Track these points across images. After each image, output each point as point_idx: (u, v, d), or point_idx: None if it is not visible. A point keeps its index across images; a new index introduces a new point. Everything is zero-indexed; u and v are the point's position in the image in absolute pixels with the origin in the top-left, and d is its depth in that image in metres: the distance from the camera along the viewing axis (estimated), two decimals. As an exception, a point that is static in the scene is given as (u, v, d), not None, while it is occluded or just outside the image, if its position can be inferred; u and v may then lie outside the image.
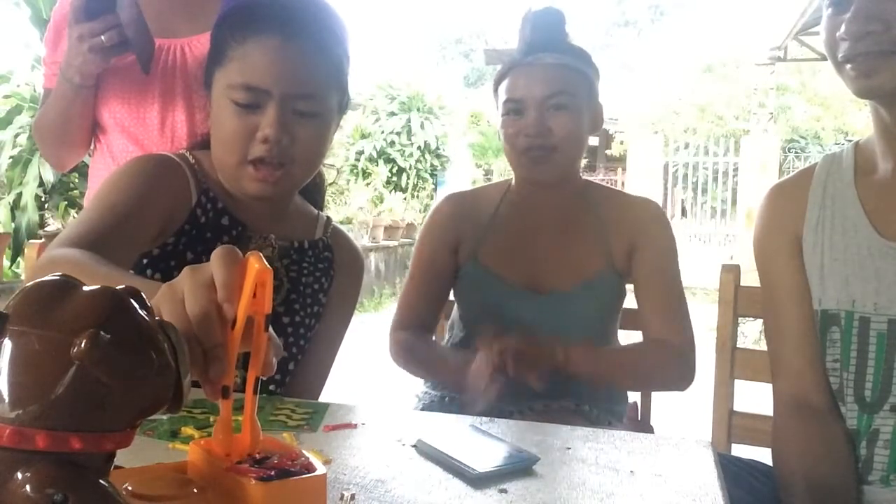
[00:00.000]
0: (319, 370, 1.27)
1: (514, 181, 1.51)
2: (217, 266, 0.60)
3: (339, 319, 1.29)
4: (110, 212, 1.04)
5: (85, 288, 0.49)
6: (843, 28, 0.96)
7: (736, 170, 11.33)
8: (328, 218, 1.31)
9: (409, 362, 1.43)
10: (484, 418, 0.99)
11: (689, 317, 1.41)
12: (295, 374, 1.22)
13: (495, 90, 1.46)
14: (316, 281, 1.23)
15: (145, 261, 1.11)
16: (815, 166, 1.15)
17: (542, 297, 1.41)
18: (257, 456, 0.67)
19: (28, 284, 0.49)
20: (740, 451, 1.31)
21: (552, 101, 1.37)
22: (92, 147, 1.65)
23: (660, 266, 1.42)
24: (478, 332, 1.41)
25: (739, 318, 1.38)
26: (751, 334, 5.70)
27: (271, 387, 1.18)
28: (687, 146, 12.22)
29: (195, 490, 0.61)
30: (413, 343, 1.44)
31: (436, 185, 11.39)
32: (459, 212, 1.51)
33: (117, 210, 1.04)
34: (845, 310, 1.05)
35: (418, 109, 11.56)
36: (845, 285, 1.06)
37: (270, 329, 0.62)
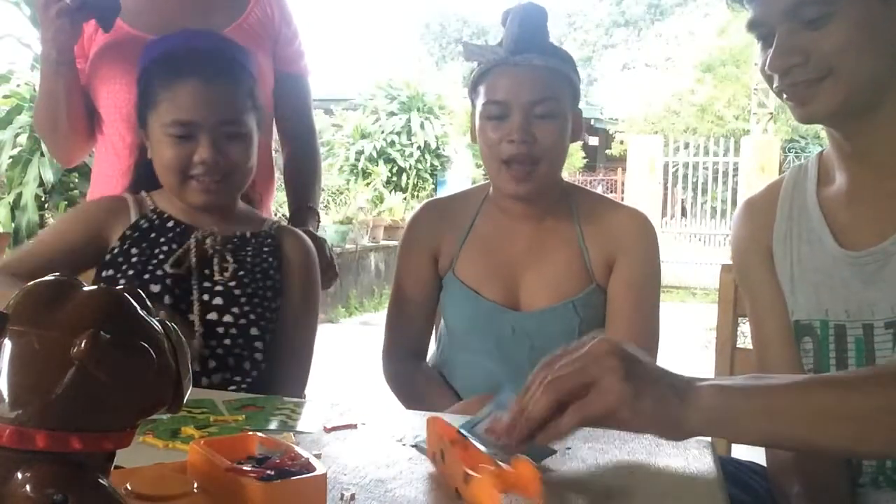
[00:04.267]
0: (300, 356, 1.39)
1: (492, 189, 1.42)
2: None
3: (304, 304, 1.40)
4: (40, 245, 1.39)
5: (85, 288, 0.49)
6: (767, 63, 0.97)
7: (736, 170, 11.33)
8: (278, 221, 1.47)
9: (402, 399, 1.38)
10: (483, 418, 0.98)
11: (656, 340, 1.35)
12: (273, 362, 1.34)
13: (473, 88, 1.36)
14: (263, 261, 1.36)
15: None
16: (783, 178, 1.16)
17: (521, 313, 1.35)
18: (257, 456, 0.67)
19: (28, 284, 0.49)
20: (740, 451, 1.31)
21: (539, 108, 1.27)
22: (94, 147, 1.65)
23: (635, 282, 1.35)
24: (464, 347, 1.39)
25: (739, 318, 1.38)
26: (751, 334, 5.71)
27: (246, 358, 1.29)
28: (687, 146, 12.21)
29: (195, 490, 0.61)
30: (403, 381, 1.39)
31: (436, 185, 11.37)
32: (437, 220, 1.44)
33: (45, 243, 1.38)
34: (820, 319, 1.05)
35: (418, 109, 11.54)
36: (816, 296, 1.06)
37: None
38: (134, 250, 1.31)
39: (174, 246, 1.31)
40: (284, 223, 1.47)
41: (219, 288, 1.29)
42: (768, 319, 1.12)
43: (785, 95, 0.99)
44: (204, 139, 1.28)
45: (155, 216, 1.36)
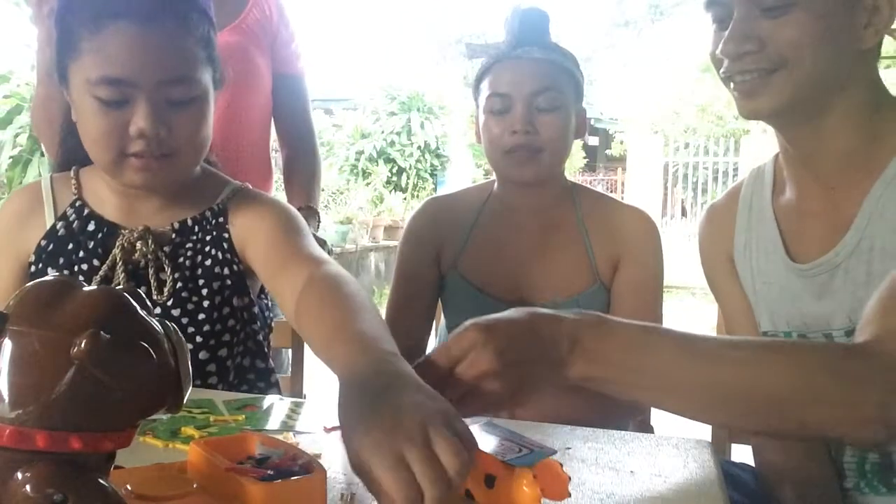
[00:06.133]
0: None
1: (496, 185, 1.42)
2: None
3: (283, 227, 1.12)
4: None
5: (85, 288, 0.49)
6: (720, 47, 0.94)
7: (736, 170, 11.34)
8: (238, 188, 1.18)
9: None
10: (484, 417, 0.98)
11: None
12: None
13: (476, 86, 1.37)
14: (206, 256, 1.11)
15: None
16: (742, 183, 1.13)
17: None
18: (257, 456, 0.67)
19: (28, 284, 0.49)
20: (740, 451, 1.31)
21: (540, 99, 1.29)
22: None
23: (640, 284, 1.35)
24: None
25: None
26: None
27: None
28: (687, 146, 12.22)
29: (195, 490, 0.61)
30: None
31: (436, 185, 11.37)
32: (440, 217, 1.43)
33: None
34: (783, 330, 1.04)
35: (418, 109, 11.54)
36: (776, 307, 1.04)
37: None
38: (51, 270, 1.09)
39: (96, 262, 1.09)
40: (248, 187, 1.20)
41: (157, 310, 1.06)
42: (737, 327, 1.11)
43: (732, 84, 0.96)
44: (142, 104, 0.98)
45: (74, 215, 1.12)
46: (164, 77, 0.99)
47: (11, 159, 4.46)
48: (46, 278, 0.50)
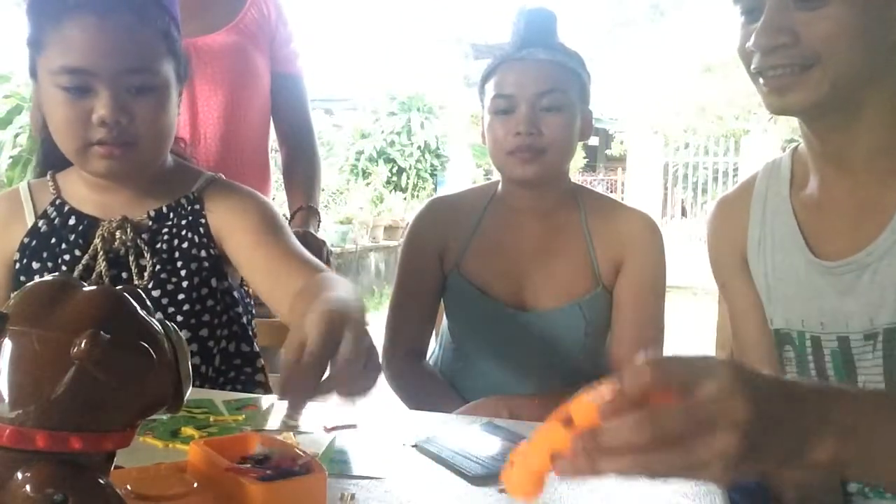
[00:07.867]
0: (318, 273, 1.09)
1: (500, 186, 1.42)
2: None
3: (268, 232, 1.15)
4: None
5: (85, 288, 0.49)
6: (752, 39, 0.91)
7: (736, 170, 11.35)
8: (213, 177, 1.22)
9: (403, 398, 1.39)
10: (484, 418, 0.98)
11: (661, 344, 1.36)
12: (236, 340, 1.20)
13: (482, 88, 1.37)
14: (183, 239, 1.15)
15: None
16: (755, 177, 1.10)
17: (527, 314, 1.35)
18: (257, 456, 0.67)
19: (28, 284, 0.49)
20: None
21: (545, 100, 1.28)
22: None
23: (642, 287, 1.35)
24: (467, 347, 1.40)
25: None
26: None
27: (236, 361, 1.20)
28: (687, 146, 12.22)
29: (195, 490, 0.61)
30: (405, 380, 1.39)
31: (436, 185, 11.37)
32: (443, 217, 1.43)
33: None
34: (796, 329, 1.01)
35: (418, 109, 11.54)
36: (791, 305, 1.02)
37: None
38: (35, 264, 1.13)
39: (78, 252, 1.13)
40: (222, 178, 1.24)
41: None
42: (746, 325, 1.09)
43: (762, 80, 0.93)
44: (103, 93, 1.03)
45: (55, 212, 1.16)
46: (124, 66, 1.04)
47: (11, 159, 4.46)
48: (46, 278, 0.50)
